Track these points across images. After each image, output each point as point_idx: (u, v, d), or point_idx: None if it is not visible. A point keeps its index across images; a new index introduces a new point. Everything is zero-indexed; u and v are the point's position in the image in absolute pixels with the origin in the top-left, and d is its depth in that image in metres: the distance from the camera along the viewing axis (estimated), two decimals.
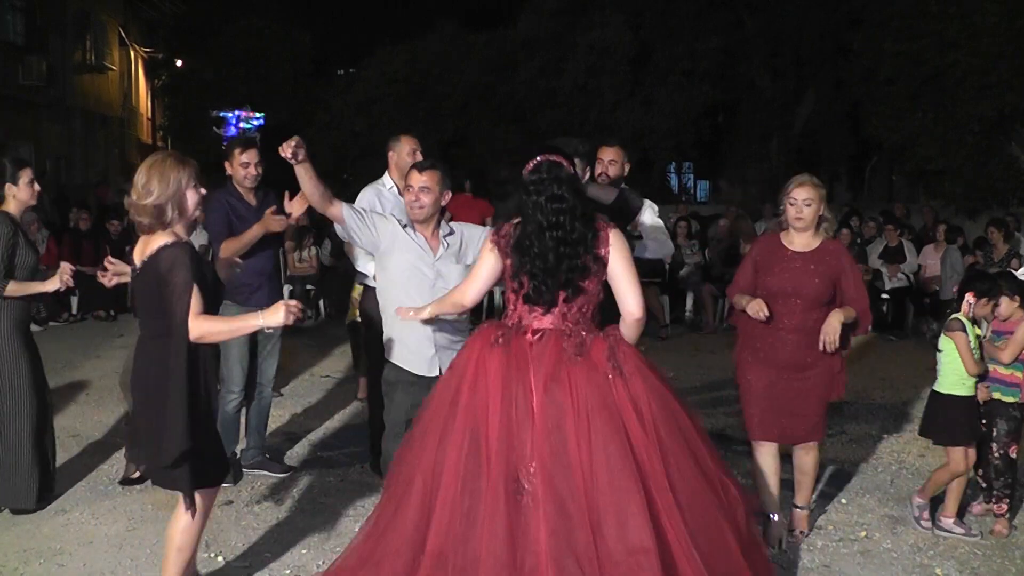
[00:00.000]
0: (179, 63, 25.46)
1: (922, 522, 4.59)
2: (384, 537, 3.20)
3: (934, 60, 15.01)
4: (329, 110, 20.45)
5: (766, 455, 4.33)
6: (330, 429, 6.43)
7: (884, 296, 10.85)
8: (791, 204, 4.13)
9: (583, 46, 18.74)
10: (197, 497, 3.38)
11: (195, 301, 3.20)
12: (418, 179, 4.09)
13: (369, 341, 5.01)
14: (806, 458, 4.36)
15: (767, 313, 4.08)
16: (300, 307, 3.31)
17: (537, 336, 3.17)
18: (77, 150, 22.12)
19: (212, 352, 3.49)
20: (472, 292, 3.47)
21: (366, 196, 5.06)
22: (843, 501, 5.00)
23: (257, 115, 23.76)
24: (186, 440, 3.20)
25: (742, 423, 6.51)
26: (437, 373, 4.03)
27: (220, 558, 4.17)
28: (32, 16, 19.72)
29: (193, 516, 3.38)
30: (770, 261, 4.20)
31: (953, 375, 4.52)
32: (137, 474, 5.13)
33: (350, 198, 4.54)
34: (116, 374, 5.60)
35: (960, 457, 4.51)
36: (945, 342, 4.53)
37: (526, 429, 2.99)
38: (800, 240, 4.18)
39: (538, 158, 3.24)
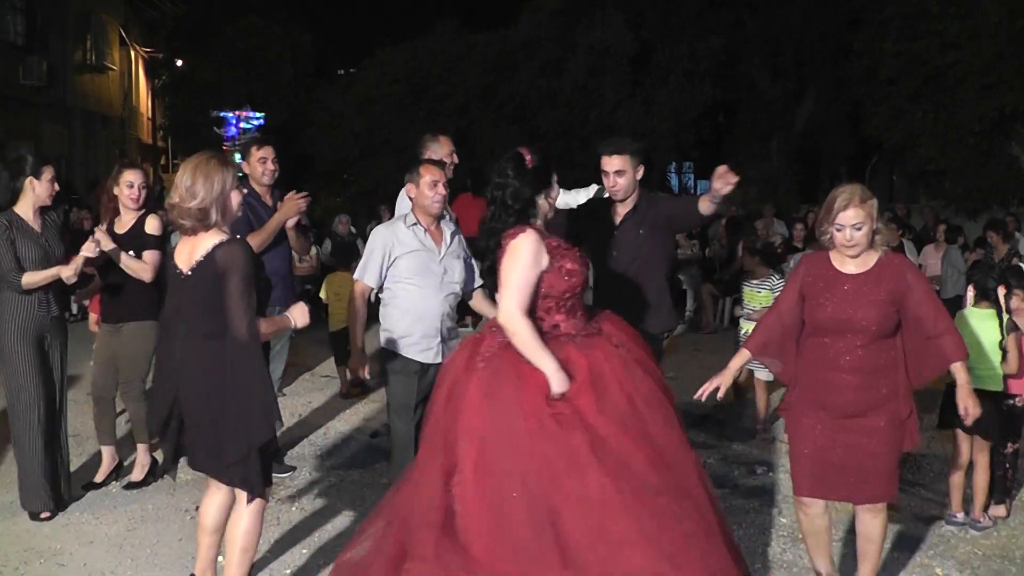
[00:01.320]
0: (179, 63, 25.47)
1: (982, 522, 4.62)
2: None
3: (934, 60, 15.02)
4: (329, 110, 20.45)
5: (815, 516, 3.65)
6: (331, 429, 6.43)
7: None
8: (838, 230, 3.42)
9: (584, 46, 18.76)
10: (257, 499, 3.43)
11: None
12: (440, 174, 4.30)
13: None
14: (873, 523, 3.61)
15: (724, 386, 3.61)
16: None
17: None
18: (77, 150, 22.15)
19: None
20: None
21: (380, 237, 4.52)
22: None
23: (257, 115, 23.76)
24: (269, 429, 3.29)
25: (739, 420, 6.55)
26: (440, 360, 4.19)
27: (220, 557, 4.17)
28: (32, 16, 19.73)
29: (259, 514, 3.46)
30: (819, 288, 3.51)
31: (1000, 373, 4.57)
32: (140, 477, 5.13)
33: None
34: None
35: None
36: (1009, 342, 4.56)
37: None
38: (854, 260, 3.49)
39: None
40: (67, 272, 4.49)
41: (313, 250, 11.50)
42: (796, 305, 3.58)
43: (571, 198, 4.92)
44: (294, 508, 4.83)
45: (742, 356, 3.70)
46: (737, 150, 20.70)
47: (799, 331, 3.61)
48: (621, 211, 4.54)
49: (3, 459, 5.58)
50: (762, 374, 6.20)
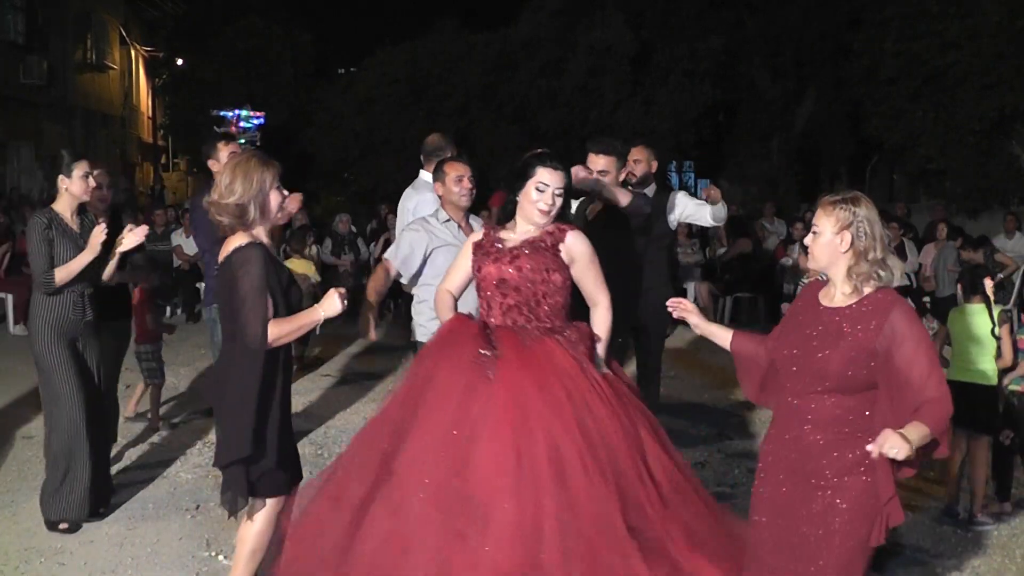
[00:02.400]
0: (180, 62, 25.48)
1: (979, 518, 4.66)
2: None
3: (934, 60, 15.02)
4: (329, 110, 20.45)
5: None
6: (331, 428, 6.43)
7: None
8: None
9: (584, 46, 18.76)
10: (267, 503, 3.40)
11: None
12: (465, 168, 4.40)
13: None
14: None
15: None
16: (345, 292, 3.40)
17: None
18: (78, 149, 22.13)
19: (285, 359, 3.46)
20: None
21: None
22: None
23: (257, 114, 23.77)
24: (247, 447, 3.21)
25: (741, 422, 6.55)
26: None
27: (221, 557, 4.18)
28: (33, 16, 19.74)
29: (257, 518, 3.43)
30: (795, 320, 2.89)
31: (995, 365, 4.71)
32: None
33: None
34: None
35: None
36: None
37: None
38: (838, 290, 2.80)
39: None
40: (97, 240, 4.28)
41: (314, 249, 11.52)
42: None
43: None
44: (295, 507, 4.83)
45: (724, 341, 3.17)
46: (737, 150, 20.72)
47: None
48: (596, 209, 4.61)
49: (3, 459, 5.58)
50: None
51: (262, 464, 3.30)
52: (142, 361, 6.26)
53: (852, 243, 2.72)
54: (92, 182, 4.47)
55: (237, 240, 3.27)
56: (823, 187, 22.62)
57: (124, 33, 25.25)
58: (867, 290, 2.75)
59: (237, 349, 3.22)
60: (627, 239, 4.62)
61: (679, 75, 19.09)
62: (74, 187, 4.41)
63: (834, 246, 2.74)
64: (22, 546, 4.29)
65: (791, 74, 20.26)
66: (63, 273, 4.30)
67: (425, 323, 4.33)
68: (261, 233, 3.33)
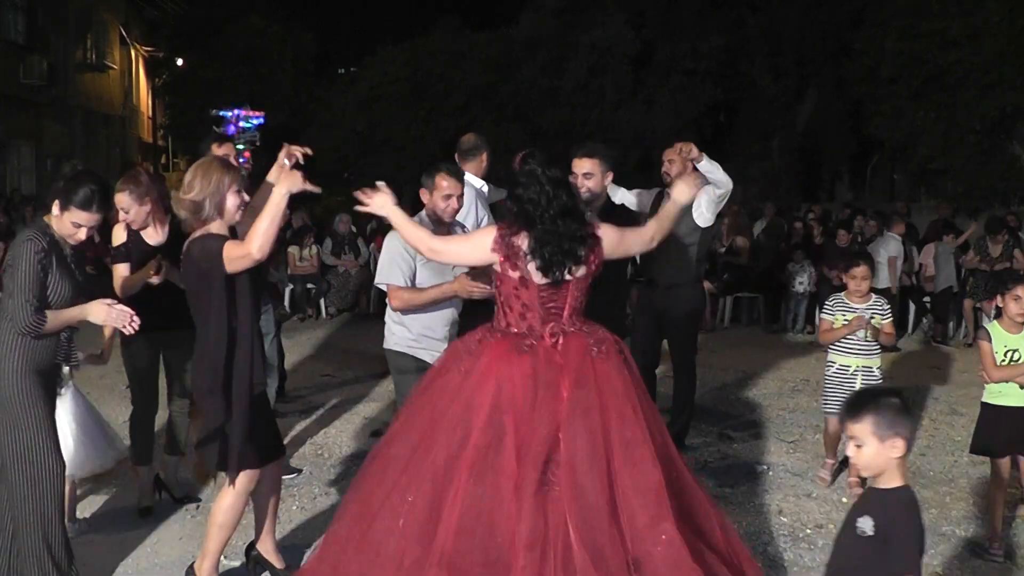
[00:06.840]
0: (180, 62, 25.49)
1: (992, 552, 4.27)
2: (376, 523, 3.24)
3: (935, 59, 15.04)
4: (330, 109, 20.48)
5: None
6: (332, 428, 6.43)
7: None
8: None
9: (585, 45, 18.78)
10: (241, 477, 3.61)
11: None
12: (457, 187, 4.30)
13: None
14: None
15: None
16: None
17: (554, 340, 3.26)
18: (78, 149, 22.16)
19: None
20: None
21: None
22: (844, 500, 5.00)
23: (257, 114, 23.77)
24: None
25: (743, 423, 6.55)
26: None
27: (222, 557, 4.17)
28: (33, 15, 19.76)
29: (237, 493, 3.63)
30: None
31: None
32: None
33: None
34: (118, 373, 5.60)
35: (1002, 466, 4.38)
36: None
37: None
38: None
39: (523, 153, 3.44)
40: (97, 315, 3.47)
41: (314, 249, 11.52)
42: None
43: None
44: (294, 507, 4.84)
45: None
46: (738, 149, 20.75)
47: None
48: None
49: None
50: None
51: (232, 437, 3.52)
52: None
53: None
54: (83, 235, 3.51)
55: (197, 232, 3.53)
56: (824, 186, 22.67)
57: (124, 33, 25.27)
58: None
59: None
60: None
61: (680, 74, 19.13)
62: (59, 226, 3.49)
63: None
64: None
65: (792, 73, 20.29)
66: (54, 322, 3.47)
67: (400, 329, 4.43)
68: (218, 228, 3.54)
